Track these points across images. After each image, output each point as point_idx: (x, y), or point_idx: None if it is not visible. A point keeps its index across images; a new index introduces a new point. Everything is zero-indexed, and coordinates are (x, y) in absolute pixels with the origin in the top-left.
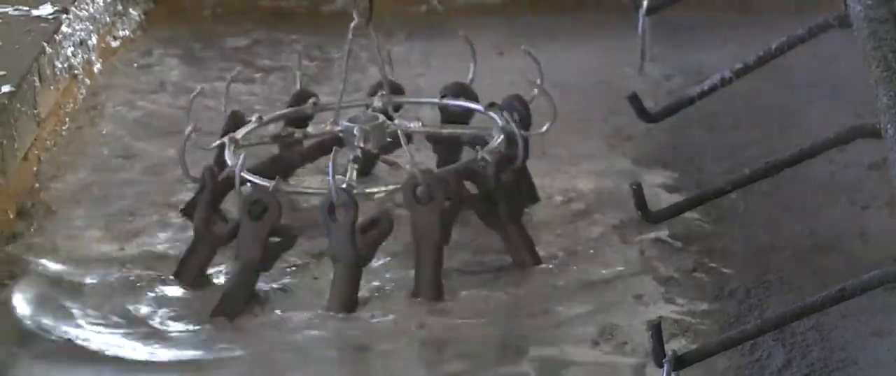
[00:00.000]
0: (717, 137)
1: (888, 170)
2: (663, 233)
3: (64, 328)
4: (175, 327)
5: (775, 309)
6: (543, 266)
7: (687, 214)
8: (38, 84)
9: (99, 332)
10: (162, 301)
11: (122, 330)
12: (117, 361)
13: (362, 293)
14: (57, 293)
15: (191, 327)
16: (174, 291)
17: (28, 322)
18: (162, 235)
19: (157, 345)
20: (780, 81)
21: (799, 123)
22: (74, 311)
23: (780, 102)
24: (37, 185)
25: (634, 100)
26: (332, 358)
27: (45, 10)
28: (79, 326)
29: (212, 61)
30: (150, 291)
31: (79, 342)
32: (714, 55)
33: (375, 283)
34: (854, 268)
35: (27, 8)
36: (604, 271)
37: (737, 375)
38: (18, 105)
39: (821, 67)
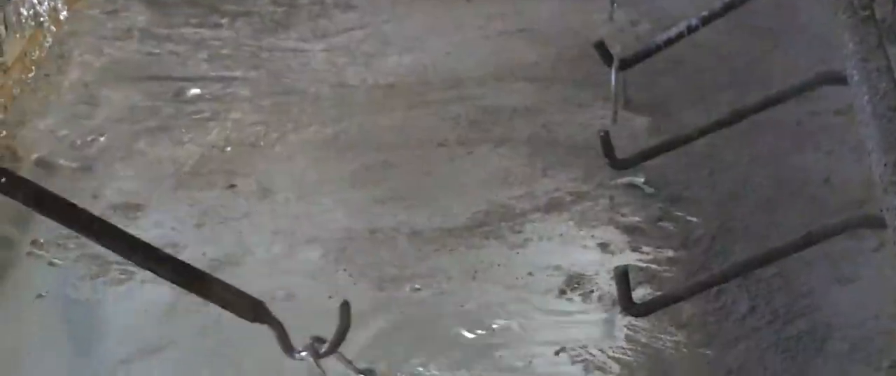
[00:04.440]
0: (685, 83)
1: (853, 115)
2: (632, 179)
3: None
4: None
5: (740, 256)
6: (511, 213)
7: (654, 161)
8: (3, 32)
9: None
10: None
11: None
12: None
13: None
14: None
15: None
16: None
17: None
18: (128, 184)
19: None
20: (746, 29)
21: (765, 70)
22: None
23: (746, 49)
24: (3, 133)
25: (601, 47)
26: None
27: None
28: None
29: (178, 7)
30: None
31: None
32: (681, 2)
33: None
34: (819, 214)
35: None
36: (570, 220)
37: (702, 321)
38: None
39: (786, 14)
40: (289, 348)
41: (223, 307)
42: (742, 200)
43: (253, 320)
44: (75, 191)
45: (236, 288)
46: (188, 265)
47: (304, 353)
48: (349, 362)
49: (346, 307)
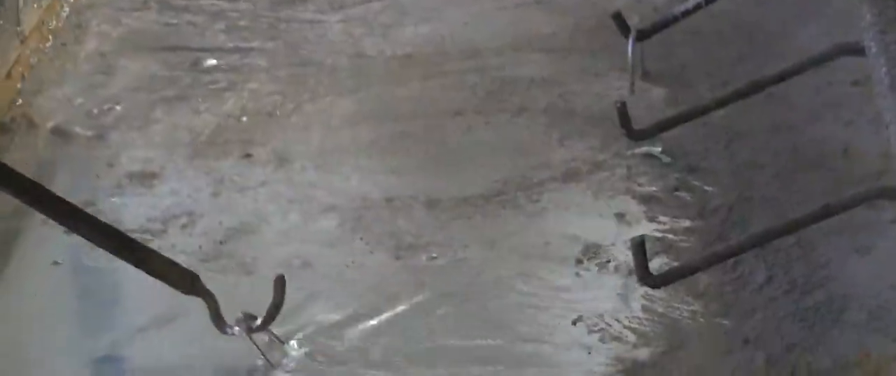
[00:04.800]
0: (703, 54)
1: (871, 87)
2: (649, 149)
3: None
4: None
5: (758, 227)
6: (528, 182)
7: (672, 132)
8: (21, 2)
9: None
10: None
11: None
12: None
13: None
14: None
15: None
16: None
17: None
18: (144, 152)
19: None
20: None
21: (783, 41)
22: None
23: (764, 20)
24: (20, 101)
25: (618, 18)
26: None
27: None
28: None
29: None
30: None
31: None
32: None
33: None
34: (837, 184)
35: None
36: (587, 190)
37: (719, 291)
38: (1, 22)
39: None
40: (221, 323)
41: (159, 278)
42: (759, 171)
43: (188, 292)
44: (91, 159)
45: (172, 260)
46: (127, 236)
47: (236, 328)
48: (277, 337)
49: (280, 282)
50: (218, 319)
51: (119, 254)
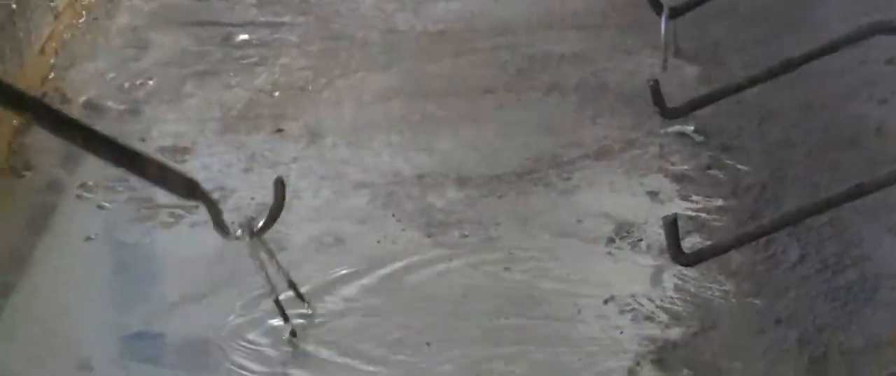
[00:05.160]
0: (736, 32)
1: None
2: (681, 127)
3: None
4: None
5: (791, 206)
6: (560, 160)
7: (704, 110)
8: None
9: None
10: None
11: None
12: None
13: None
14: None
15: None
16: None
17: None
18: (175, 127)
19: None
20: None
21: (816, 19)
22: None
23: None
24: (53, 75)
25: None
26: None
27: None
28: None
29: None
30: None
31: None
32: None
33: None
34: (871, 163)
35: None
36: (620, 168)
37: (751, 271)
38: None
39: None
40: (223, 229)
41: (159, 185)
42: (792, 149)
43: (188, 197)
44: (123, 133)
45: (172, 166)
46: (124, 145)
47: (238, 231)
48: (271, 252)
49: (279, 184)
50: (220, 225)
51: (119, 164)
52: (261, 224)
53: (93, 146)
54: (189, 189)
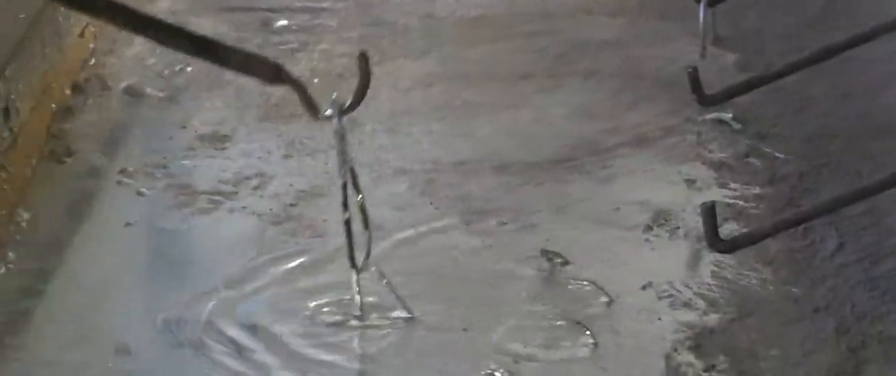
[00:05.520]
0: (774, 19)
1: None
2: (719, 115)
3: None
4: None
5: (829, 194)
6: (598, 147)
7: (742, 97)
8: None
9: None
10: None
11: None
12: None
13: None
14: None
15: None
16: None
17: None
18: (215, 114)
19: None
20: None
21: (856, 7)
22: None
23: None
24: (93, 61)
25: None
26: None
27: None
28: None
29: None
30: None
31: None
32: None
33: None
34: None
35: None
36: (657, 156)
37: (788, 259)
38: None
39: None
40: (313, 108)
41: (243, 72)
42: (831, 137)
43: (273, 82)
44: (163, 120)
45: (254, 53)
46: (202, 36)
47: (329, 111)
48: (386, 278)
49: (363, 59)
50: (310, 106)
51: (199, 55)
52: (349, 103)
53: (171, 40)
54: (274, 73)
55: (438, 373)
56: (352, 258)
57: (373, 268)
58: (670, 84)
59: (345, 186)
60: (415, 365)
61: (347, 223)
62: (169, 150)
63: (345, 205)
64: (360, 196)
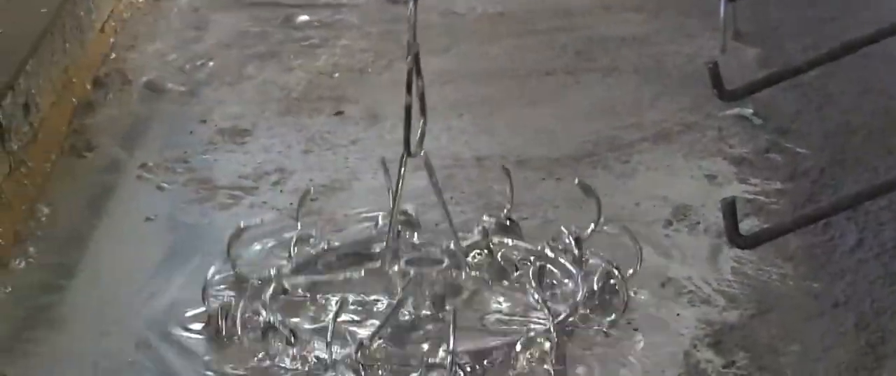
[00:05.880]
0: (795, 14)
1: None
2: (740, 110)
3: None
4: None
5: (849, 189)
6: (618, 143)
7: (763, 93)
8: None
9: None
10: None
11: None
12: None
13: None
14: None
15: None
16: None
17: None
18: (236, 109)
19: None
20: None
21: (878, 2)
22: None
23: None
24: (113, 56)
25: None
26: None
27: None
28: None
29: None
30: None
31: None
32: None
33: None
34: None
35: None
36: (678, 151)
37: (809, 254)
38: None
39: None
40: None
41: None
42: (851, 133)
43: None
44: (183, 115)
45: None
46: None
47: None
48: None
49: None
50: None
51: None
52: None
53: None
54: None
55: None
56: (407, 143)
57: (422, 153)
58: (691, 79)
59: (410, 72)
60: None
61: (408, 108)
62: (189, 145)
63: (408, 89)
64: (421, 82)
